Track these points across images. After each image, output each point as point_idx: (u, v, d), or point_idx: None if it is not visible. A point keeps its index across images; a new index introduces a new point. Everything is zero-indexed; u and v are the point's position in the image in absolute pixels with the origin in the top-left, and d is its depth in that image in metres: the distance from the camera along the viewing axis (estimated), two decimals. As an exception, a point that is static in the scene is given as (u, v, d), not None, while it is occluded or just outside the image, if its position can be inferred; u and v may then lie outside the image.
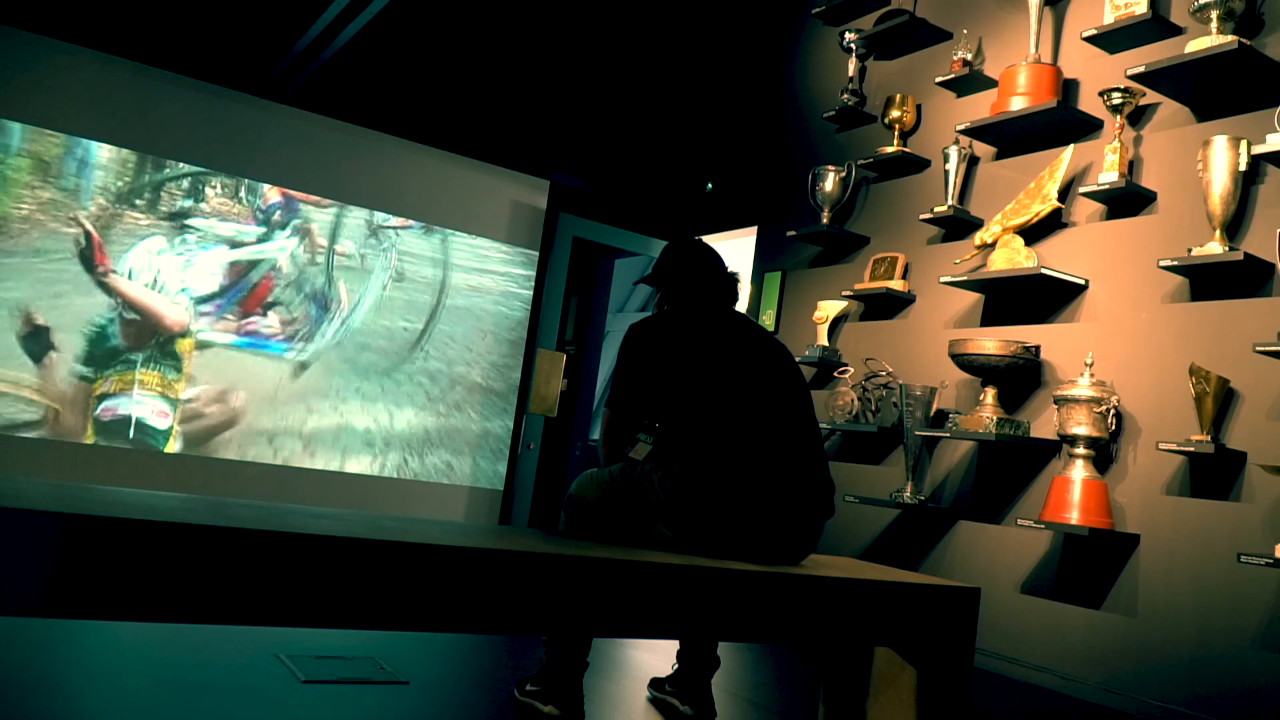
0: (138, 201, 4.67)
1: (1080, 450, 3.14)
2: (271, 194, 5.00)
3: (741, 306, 2.74)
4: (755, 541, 2.08)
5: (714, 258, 2.48)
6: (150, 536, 1.32)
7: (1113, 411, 3.13)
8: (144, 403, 4.67)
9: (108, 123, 4.61)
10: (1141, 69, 3.13)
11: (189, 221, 4.79)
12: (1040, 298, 3.51)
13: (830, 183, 4.36)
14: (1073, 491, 3.10)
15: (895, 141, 4.20)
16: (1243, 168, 2.91)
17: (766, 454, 2.15)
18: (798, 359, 3.44)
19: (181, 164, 4.79)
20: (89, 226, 4.52)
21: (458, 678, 2.69)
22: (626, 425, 2.33)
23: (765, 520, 2.09)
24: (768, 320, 4.73)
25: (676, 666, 2.45)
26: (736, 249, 5.55)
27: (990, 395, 3.45)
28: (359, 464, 5.15)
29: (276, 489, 4.87)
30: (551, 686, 2.22)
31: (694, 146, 5.93)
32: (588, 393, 6.43)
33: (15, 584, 1.26)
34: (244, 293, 4.91)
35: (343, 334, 5.14)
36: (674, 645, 2.53)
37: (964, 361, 3.47)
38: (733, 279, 2.47)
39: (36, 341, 4.43)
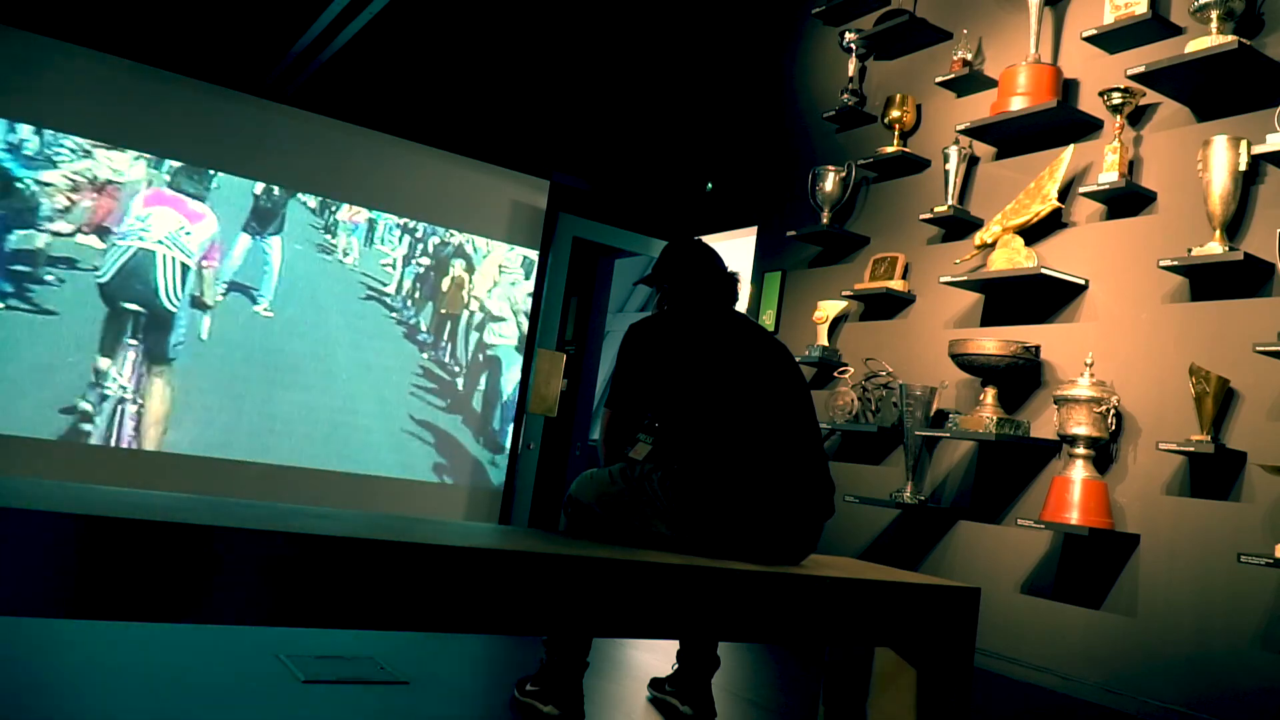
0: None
1: (1080, 450, 3.14)
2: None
3: (741, 306, 2.74)
4: (755, 541, 2.08)
5: (714, 258, 2.48)
6: (150, 536, 1.32)
7: (1113, 411, 3.13)
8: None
9: (108, 123, 4.61)
10: (1141, 69, 3.13)
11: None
12: (1040, 298, 3.51)
13: (830, 183, 4.36)
14: (1073, 491, 3.10)
15: (895, 141, 4.20)
16: (1243, 168, 2.91)
17: (766, 454, 2.15)
18: (798, 359, 3.44)
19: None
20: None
21: (458, 678, 2.69)
22: (626, 425, 2.33)
23: (764, 520, 2.09)
24: (768, 320, 4.73)
25: (676, 666, 2.45)
26: (736, 249, 5.54)
27: (990, 395, 3.45)
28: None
29: (276, 489, 4.87)
30: (551, 686, 2.22)
31: (694, 146, 5.93)
32: (588, 393, 6.42)
33: (16, 584, 1.26)
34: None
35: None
36: (674, 645, 2.53)
37: (964, 361, 3.47)
38: (733, 279, 2.47)
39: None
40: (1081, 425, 3.12)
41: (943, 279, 3.71)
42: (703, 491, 2.09)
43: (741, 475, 2.11)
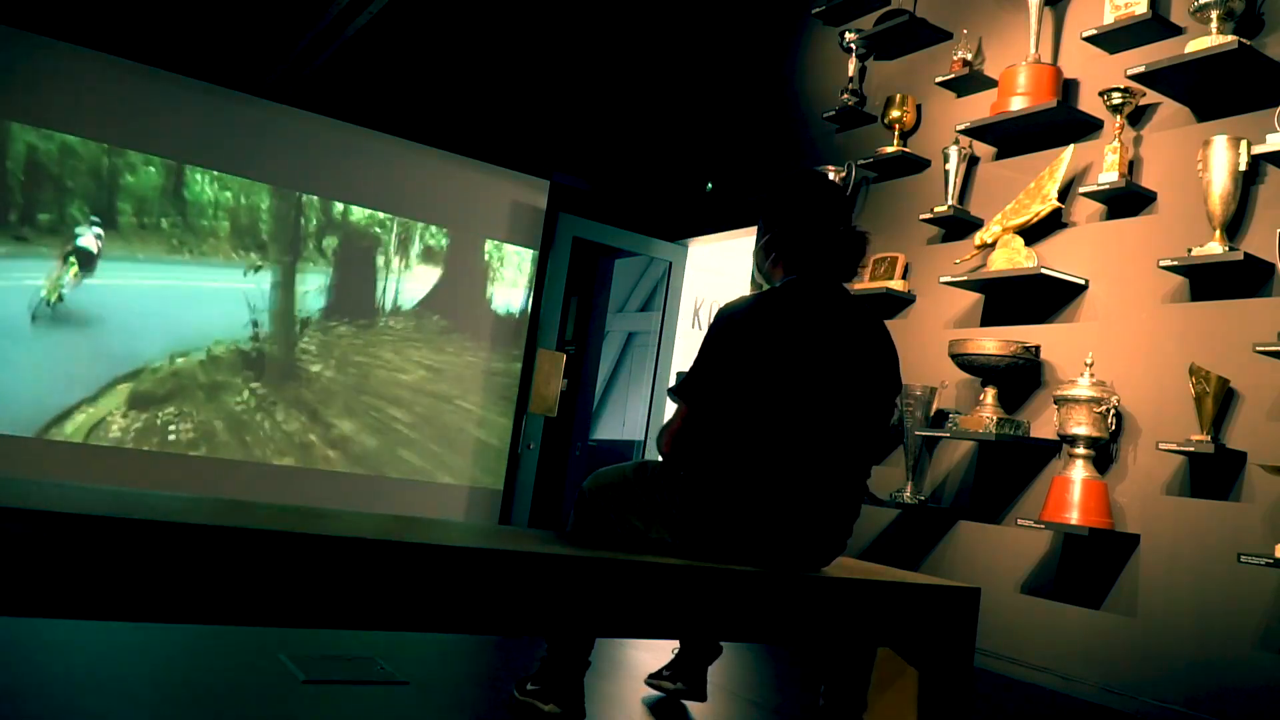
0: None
1: (1080, 450, 3.14)
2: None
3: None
4: (750, 563, 2.00)
5: (843, 209, 2.15)
6: (151, 536, 1.32)
7: (1113, 411, 3.13)
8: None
9: (108, 123, 4.61)
10: (1141, 69, 3.13)
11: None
12: (1040, 298, 3.51)
13: (830, 183, 4.36)
14: (1073, 491, 3.10)
15: (895, 141, 4.20)
16: (1243, 168, 2.91)
17: (787, 484, 2.01)
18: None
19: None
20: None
21: (458, 678, 2.69)
22: (701, 424, 2.02)
23: (763, 551, 2.01)
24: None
25: (677, 651, 2.45)
26: (737, 249, 5.54)
27: (990, 395, 3.45)
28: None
29: (277, 489, 4.87)
30: (552, 685, 2.22)
31: (694, 146, 5.93)
32: (587, 393, 6.42)
33: (15, 584, 1.26)
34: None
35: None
36: (674, 644, 2.53)
37: (964, 361, 3.47)
38: (859, 242, 2.15)
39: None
40: (1081, 425, 3.12)
41: (943, 279, 3.71)
42: (709, 506, 2.02)
43: (751, 499, 2.00)
